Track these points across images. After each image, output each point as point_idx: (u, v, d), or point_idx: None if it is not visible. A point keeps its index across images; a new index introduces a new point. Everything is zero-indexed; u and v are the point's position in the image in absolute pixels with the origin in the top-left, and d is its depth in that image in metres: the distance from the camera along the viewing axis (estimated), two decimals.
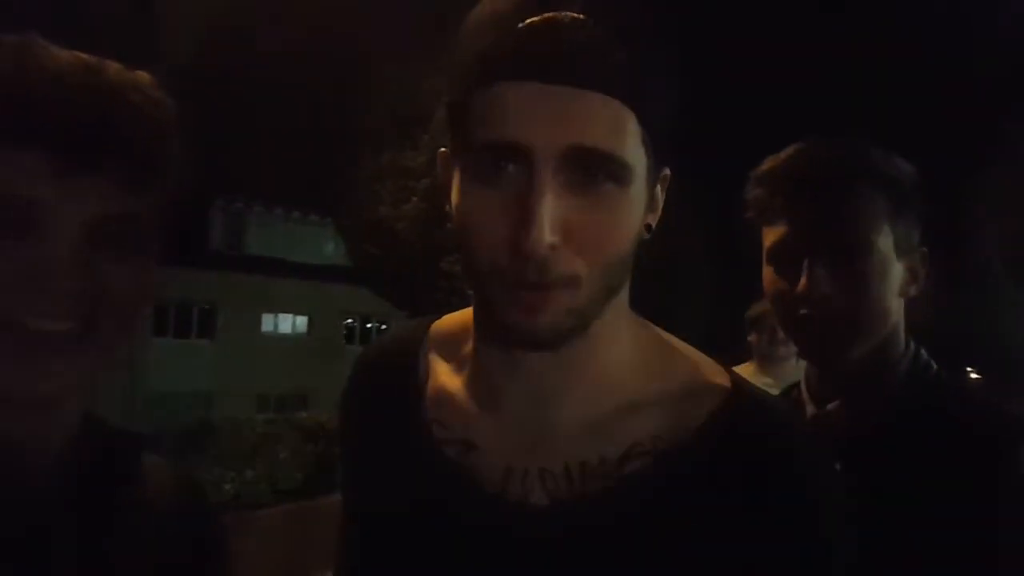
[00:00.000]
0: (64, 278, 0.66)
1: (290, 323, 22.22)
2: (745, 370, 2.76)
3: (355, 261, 15.26)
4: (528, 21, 0.60)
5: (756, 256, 1.15)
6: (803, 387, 1.17)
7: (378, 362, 0.85)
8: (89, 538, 0.73)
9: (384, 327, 20.26)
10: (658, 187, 0.69)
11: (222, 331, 20.15)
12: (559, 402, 0.70)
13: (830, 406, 1.10)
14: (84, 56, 0.70)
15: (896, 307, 1.08)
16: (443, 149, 0.71)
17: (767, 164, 1.12)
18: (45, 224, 0.65)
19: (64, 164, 0.65)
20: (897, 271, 1.07)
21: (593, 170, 0.61)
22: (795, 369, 1.24)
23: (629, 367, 0.72)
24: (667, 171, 0.70)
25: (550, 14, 0.59)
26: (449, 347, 0.80)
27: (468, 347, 0.77)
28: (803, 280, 1.04)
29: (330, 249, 21.99)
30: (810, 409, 1.13)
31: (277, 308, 21.56)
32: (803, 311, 1.05)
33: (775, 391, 1.25)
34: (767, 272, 1.12)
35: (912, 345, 1.10)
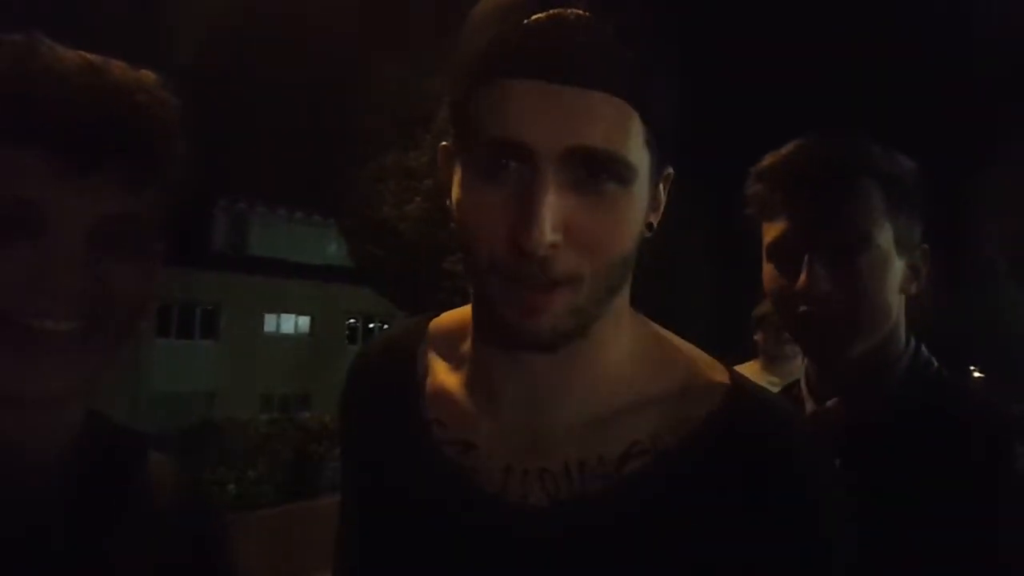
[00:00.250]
0: (67, 278, 0.66)
1: (293, 323, 22.20)
2: (750, 368, 2.75)
3: (358, 261, 15.22)
4: (532, 18, 0.59)
5: (757, 254, 1.14)
6: (803, 384, 1.16)
7: (377, 360, 0.84)
8: (91, 537, 0.73)
9: (387, 327, 20.07)
10: (660, 186, 0.69)
11: (225, 331, 20.16)
12: (558, 402, 0.70)
13: (830, 403, 1.09)
14: (89, 56, 0.70)
15: (896, 304, 1.07)
16: (444, 143, 0.71)
17: (768, 160, 1.12)
18: (49, 224, 0.65)
19: (68, 164, 0.65)
20: (898, 268, 1.06)
21: (596, 169, 0.60)
22: (801, 368, 1.23)
23: (629, 366, 0.72)
24: (670, 170, 0.70)
25: (555, 11, 0.59)
26: (448, 345, 0.79)
27: (467, 345, 0.76)
28: (803, 277, 1.03)
29: (333, 249, 21.94)
30: (810, 406, 1.13)
31: (280, 308, 21.56)
32: (803, 308, 1.05)
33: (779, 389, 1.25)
34: (767, 268, 1.11)
35: (912, 342, 1.10)
